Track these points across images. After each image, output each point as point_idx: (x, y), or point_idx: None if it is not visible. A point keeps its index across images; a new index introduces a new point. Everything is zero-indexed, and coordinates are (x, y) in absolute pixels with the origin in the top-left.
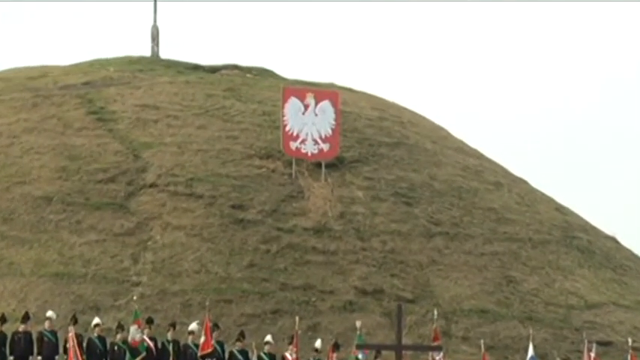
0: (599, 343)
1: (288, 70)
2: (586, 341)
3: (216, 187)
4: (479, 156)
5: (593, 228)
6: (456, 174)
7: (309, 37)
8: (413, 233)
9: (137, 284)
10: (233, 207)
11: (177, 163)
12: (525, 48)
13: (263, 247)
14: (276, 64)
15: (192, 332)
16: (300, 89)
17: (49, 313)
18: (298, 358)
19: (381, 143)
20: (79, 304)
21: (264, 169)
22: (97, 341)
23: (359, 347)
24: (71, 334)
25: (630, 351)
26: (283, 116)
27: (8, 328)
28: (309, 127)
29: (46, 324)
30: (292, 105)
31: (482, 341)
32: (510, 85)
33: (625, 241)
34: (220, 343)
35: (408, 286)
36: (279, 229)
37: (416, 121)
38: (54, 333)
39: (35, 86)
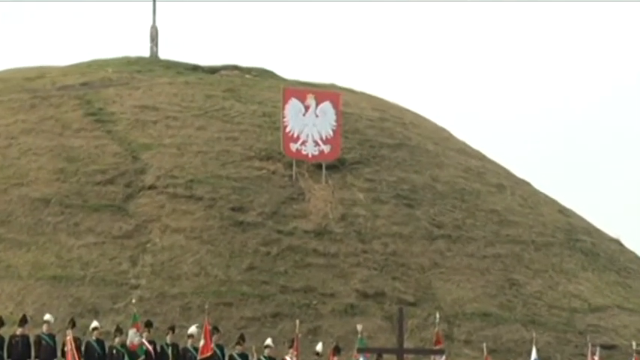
0: (603, 347)
1: (289, 70)
2: (590, 345)
3: (215, 188)
4: (481, 157)
5: (597, 230)
6: (458, 176)
7: (309, 38)
8: (415, 236)
9: (136, 287)
10: (233, 209)
11: (176, 165)
12: (527, 48)
13: (263, 250)
14: (277, 65)
15: (191, 335)
16: (301, 90)
17: (47, 317)
18: None
19: (382, 144)
20: (77, 307)
21: (264, 171)
22: (95, 345)
23: (360, 351)
24: (69, 338)
25: (635, 354)
26: (283, 117)
27: (6, 332)
28: (310, 129)
29: (44, 327)
30: (293, 106)
31: (484, 345)
32: (513, 86)
33: (629, 244)
34: (220, 347)
35: (409, 289)
36: (279, 231)
37: (418, 122)
38: (52, 336)
39: (33, 87)
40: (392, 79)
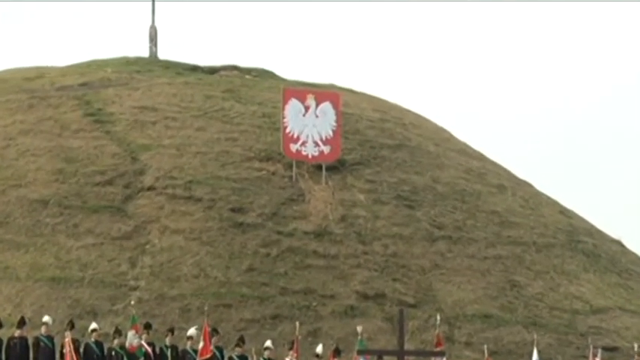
0: (605, 349)
1: (289, 71)
2: (591, 347)
3: (215, 189)
4: (482, 158)
5: (599, 231)
6: (459, 176)
7: (309, 38)
8: (415, 237)
9: (135, 289)
10: (232, 210)
11: (175, 166)
12: (527, 48)
13: (263, 251)
14: (276, 65)
15: (190, 337)
16: (301, 90)
17: (46, 318)
18: None
19: (382, 145)
20: (76, 308)
21: (264, 172)
22: (94, 346)
23: (360, 353)
24: (68, 340)
25: (636, 357)
26: (283, 118)
27: (4, 334)
28: (310, 129)
29: (43, 329)
30: (292, 106)
31: (485, 346)
32: (514, 87)
33: (631, 245)
34: (219, 349)
35: (410, 291)
36: (279, 232)
37: (418, 122)
38: (50, 338)
39: (31, 87)
40: (392, 80)
